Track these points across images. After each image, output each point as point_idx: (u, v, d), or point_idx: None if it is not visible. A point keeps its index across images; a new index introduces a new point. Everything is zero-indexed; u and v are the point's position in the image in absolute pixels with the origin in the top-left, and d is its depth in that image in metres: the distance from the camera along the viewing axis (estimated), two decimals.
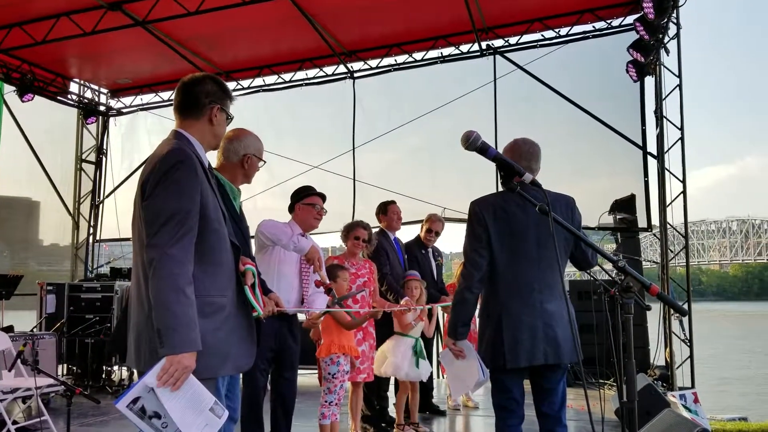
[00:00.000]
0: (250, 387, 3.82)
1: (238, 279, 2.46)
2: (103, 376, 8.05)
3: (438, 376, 7.81)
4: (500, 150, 2.89)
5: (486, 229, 3.12)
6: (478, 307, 3.32)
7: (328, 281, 3.88)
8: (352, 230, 4.94)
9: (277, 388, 3.97)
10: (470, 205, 3.22)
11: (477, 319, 3.37)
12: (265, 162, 3.40)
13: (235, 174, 3.30)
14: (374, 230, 5.26)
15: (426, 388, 6.09)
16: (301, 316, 4.47)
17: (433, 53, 8.96)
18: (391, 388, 5.77)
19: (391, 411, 5.63)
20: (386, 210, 5.83)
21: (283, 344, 3.88)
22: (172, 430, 2.11)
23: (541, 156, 3.27)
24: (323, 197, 4.29)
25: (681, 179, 7.38)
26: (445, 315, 6.48)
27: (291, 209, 4.28)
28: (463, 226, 3.30)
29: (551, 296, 3.08)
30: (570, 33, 8.35)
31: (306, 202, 4.21)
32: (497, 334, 3.07)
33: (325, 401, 4.28)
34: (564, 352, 3.04)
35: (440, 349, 6.85)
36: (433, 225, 6.08)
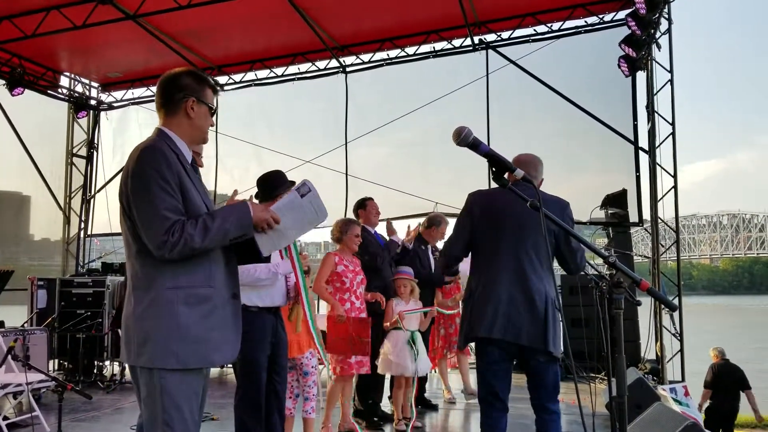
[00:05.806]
0: (254, 382, 3.79)
1: (227, 270, 2.43)
2: (95, 371, 8.05)
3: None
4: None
5: (471, 217, 3.37)
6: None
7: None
8: (351, 228, 5.01)
9: (272, 378, 3.97)
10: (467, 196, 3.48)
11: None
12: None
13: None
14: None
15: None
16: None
17: (425, 48, 8.96)
18: (387, 384, 5.78)
19: (384, 406, 5.64)
20: (365, 205, 5.78)
21: (276, 336, 3.90)
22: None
23: (541, 167, 3.44)
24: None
25: (672, 174, 7.42)
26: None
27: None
28: (455, 221, 3.56)
29: (527, 281, 3.18)
30: (562, 28, 8.37)
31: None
32: (468, 310, 3.33)
33: (306, 396, 4.31)
34: (523, 334, 3.14)
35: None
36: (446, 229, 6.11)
